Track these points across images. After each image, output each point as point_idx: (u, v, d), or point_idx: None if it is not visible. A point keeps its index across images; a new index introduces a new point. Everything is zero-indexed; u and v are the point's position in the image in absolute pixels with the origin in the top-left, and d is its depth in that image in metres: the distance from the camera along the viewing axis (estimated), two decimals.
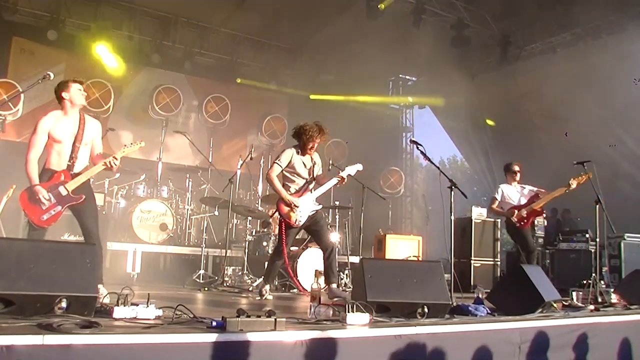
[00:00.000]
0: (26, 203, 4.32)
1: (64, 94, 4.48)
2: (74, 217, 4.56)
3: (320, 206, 5.67)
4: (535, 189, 7.34)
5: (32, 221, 4.30)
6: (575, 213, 10.87)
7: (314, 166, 5.71)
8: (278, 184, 5.54)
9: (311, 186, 5.66)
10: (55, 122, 4.44)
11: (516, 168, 7.37)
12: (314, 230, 5.69)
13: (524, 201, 7.18)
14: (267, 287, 5.77)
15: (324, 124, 5.61)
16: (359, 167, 5.90)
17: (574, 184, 6.76)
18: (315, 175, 5.70)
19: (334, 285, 5.42)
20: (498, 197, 7.30)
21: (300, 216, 5.49)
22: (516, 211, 7.04)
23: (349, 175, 5.78)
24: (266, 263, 6.13)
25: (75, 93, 4.50)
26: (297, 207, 5.46)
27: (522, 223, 7.01)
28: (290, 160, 5.56)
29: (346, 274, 7.58)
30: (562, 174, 8.35)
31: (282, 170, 5.57)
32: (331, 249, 5.52)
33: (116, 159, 4.47)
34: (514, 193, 7.27)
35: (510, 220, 7.03)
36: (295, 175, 5.60)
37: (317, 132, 5.52)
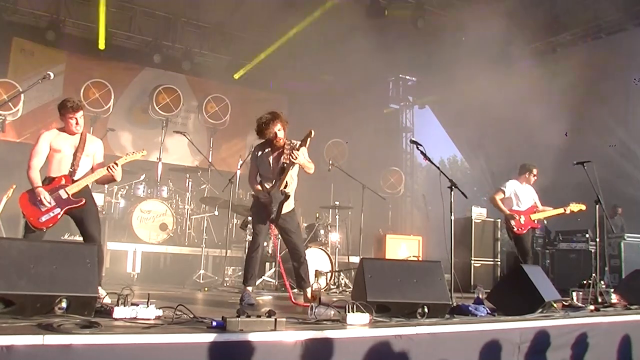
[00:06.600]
0: (25, 204, 4.34)
1: (60, 117, 4.52)
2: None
3: None
4: (537, 198, 7.27)
5: (30, 223, 4.31)
6: (576, 213, 10.81)
7: None
8: None
9: None
10: (57, 135, 4.52)
11: (535, 171, 7.22)
12: None
13: (526, 206, 7.12)
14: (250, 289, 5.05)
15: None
16: None
17: (569, 209, 7.09)
18: None
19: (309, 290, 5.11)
20: (506, 192, 7.13)
21: None
22: (516, 216, 6.98)
23: None
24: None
25: (67, 124, 4.49)
26: None
27: (520, 229, 7.00)
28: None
29: (346, 274, 7.58)
30: (561, 174, 8.33)
31: None
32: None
33: (116, 164, 4.51)
34: (522, 193, 7.15)
35: (509, 222, 7.01)
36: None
37: (269, 115, 4.96)
